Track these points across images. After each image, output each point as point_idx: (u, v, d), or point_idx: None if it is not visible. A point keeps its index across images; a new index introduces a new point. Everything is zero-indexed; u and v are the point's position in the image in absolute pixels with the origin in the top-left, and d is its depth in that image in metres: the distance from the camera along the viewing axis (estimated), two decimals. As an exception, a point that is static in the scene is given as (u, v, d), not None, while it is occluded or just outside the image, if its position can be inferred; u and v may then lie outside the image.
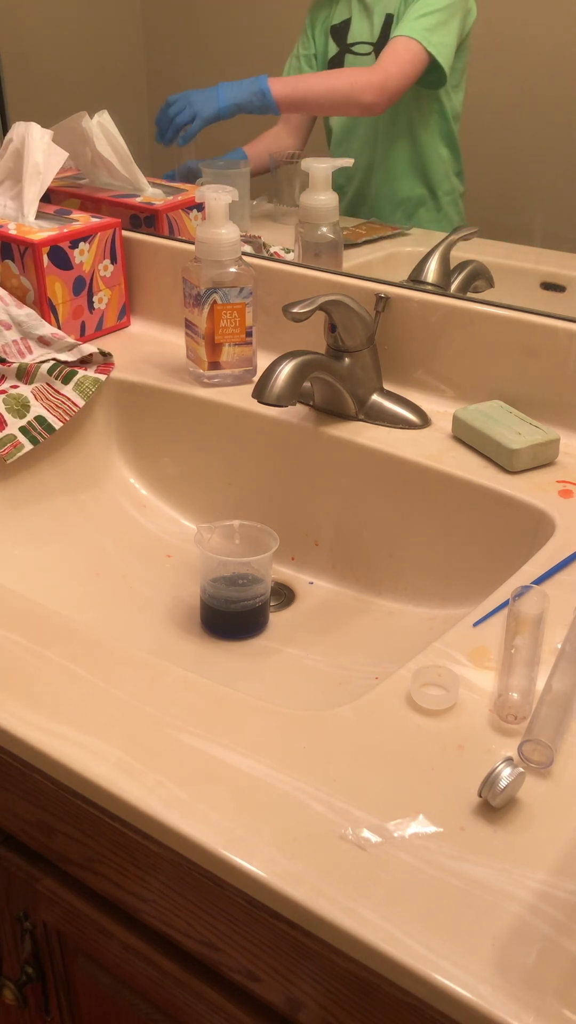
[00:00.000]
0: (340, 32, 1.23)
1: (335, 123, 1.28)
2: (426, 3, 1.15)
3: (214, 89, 1.22)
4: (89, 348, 1.07)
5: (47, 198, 1.23)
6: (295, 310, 0.91)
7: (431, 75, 1.16)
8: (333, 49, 1.24)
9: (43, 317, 1.11)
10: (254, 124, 1.34)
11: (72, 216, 1.17)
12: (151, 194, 1.25)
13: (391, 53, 1.17)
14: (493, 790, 0.55)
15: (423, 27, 1.15)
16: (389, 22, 1.18)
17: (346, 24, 1.22)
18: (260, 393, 0.91)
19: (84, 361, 1.07)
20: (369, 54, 1.20)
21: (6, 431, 0.99)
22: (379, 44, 1.19)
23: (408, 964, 0.48)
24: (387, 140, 1.23)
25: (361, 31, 1.22)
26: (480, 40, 1.16)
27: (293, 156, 1.27)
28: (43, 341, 1.09)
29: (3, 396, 1.01)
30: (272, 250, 1.21)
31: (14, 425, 0.99)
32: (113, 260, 1.17)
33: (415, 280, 1.07)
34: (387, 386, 1.02)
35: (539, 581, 0.75)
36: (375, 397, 1.00)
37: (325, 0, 1.25)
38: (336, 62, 1.24)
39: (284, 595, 0.96)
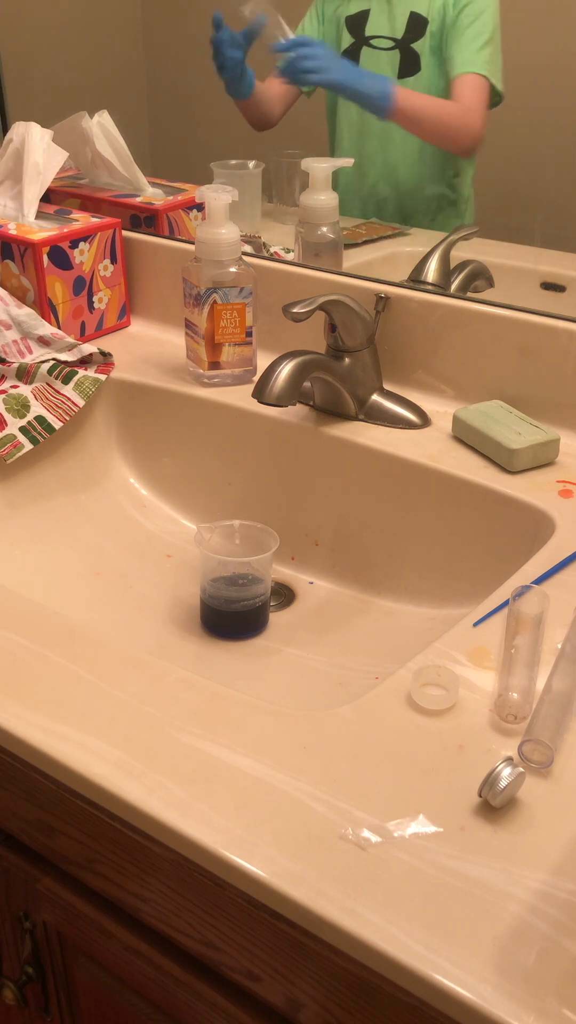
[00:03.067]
0: (357, 23, 1.21)
1: (344, 123, 1.27)
2: (479, 32, 1.14)
3: (343, 60, 1.21)
4: (89, 348, 1.07)
5: (47, 198, 1.23)
6: (295, 310, 0.91)
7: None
8: (348, 40, 1.22)
9: (43, 317, 1.11)
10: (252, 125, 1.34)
11: (72, 216, 1.17)
12: (151, 194, 1.25)
13: (473, 95, 1.16)
14: (493, 790, 0.55)
15: (485, 60, 1.14)
16: (416, 20, 1.17)
17: (364, 16, 1.20)
18: (260, 393, 0.91)
19: (84, 361, 1.07)
20: (391, 49, 1.19)
21: (6, 431, 0.99)
22: (404, 41, 1.18)
23: (408, 964, 0.48)
24: (404, 140, 1.22)
25: (381, 25, 1.20)
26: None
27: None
28: (43, 341, 1.09)
29: (3, 396, 1.01)
30: (272, 250, 1.21)
31: (14, 425, 0.99)
32: (113, 260, 1.17)
33: (415, 280, 1.07)
34: (387, 386, 1.02)
35: (539, 581, 0.75)
36: (375, 397, 1.00)
37: None
38: (351, 54, 1.22)
39: (284, 595, 0.96)
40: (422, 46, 1.17)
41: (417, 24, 1.17)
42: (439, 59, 1.17)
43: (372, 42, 1.20)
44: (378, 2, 1.20)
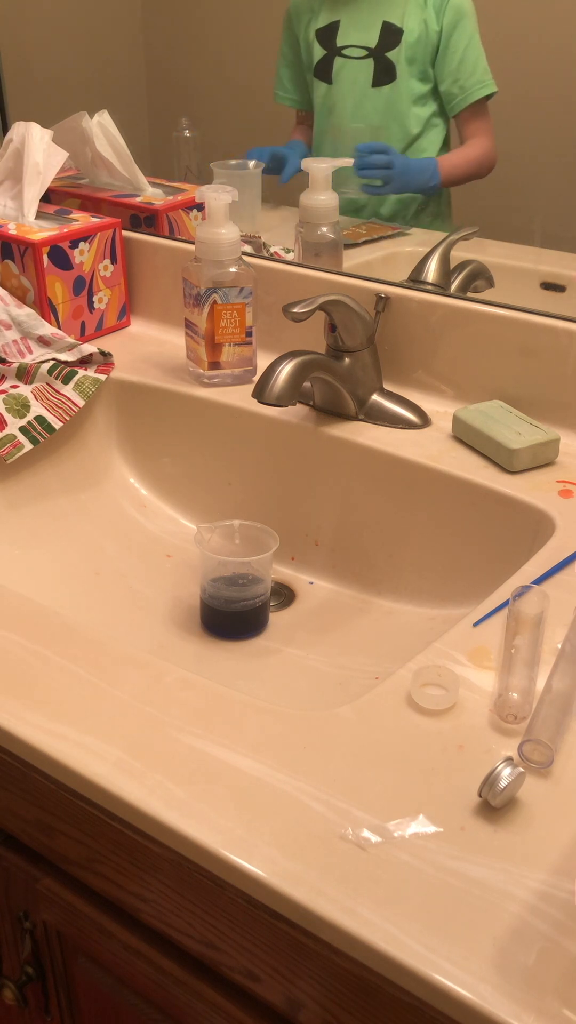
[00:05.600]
0: (326, 35, 1.22)
1: (326, 131, 1.27)
2: (475, 56, 1.15)
3: (408, 164, 1.22)
4: (89, 348, 1.07)
5: (47, 198, 1.23)
6: (295, 310, 0.91)
7: None
8: (319, 52, 1.23)
9: (43, 317, 1.11)
10: (253, 126, 1.34)
11: (72, 216, 1.17)
12: (151, 194, 1.25)
13: (481, 124, 1.18)
14: (493, 790, 0.55)
15: (481, 79, 1.16)
16: (389, 30, 1.17)
17: (334, 27, 1.22)
18: (260, 393, 0.91)
19: (84, 361, 1.07)
20: (365, 58, 1.20)
21: (6, 431, 0.99)
22: (378, 50, 1.19)
23: (408, 964, 0.48)
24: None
25: (353, 35, 1.21)
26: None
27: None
28: (43, 341, 1.09)
29: (3, 396, 1.01)
30: (272, 250, 1.22)
31: (14, 425, 0.99)
32: (113, 260, 1.17)
33: (415, 280, 1.07)
34: (387, 386, 1.02)
35: (539, 581, 0.75)
36: (375, 397, 1.00)
37: (305, 5, 1.24)
38: (325, 65, 1.23)
39: (284, 595, 0.96)
40: (397, 55, 1.18)
41: (391, 34, 1.18)
42: (417, 68, 1.18)
43: (344, 51, 1.21)
44: (348, 13, 1.21)
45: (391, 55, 1.18)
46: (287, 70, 1.29)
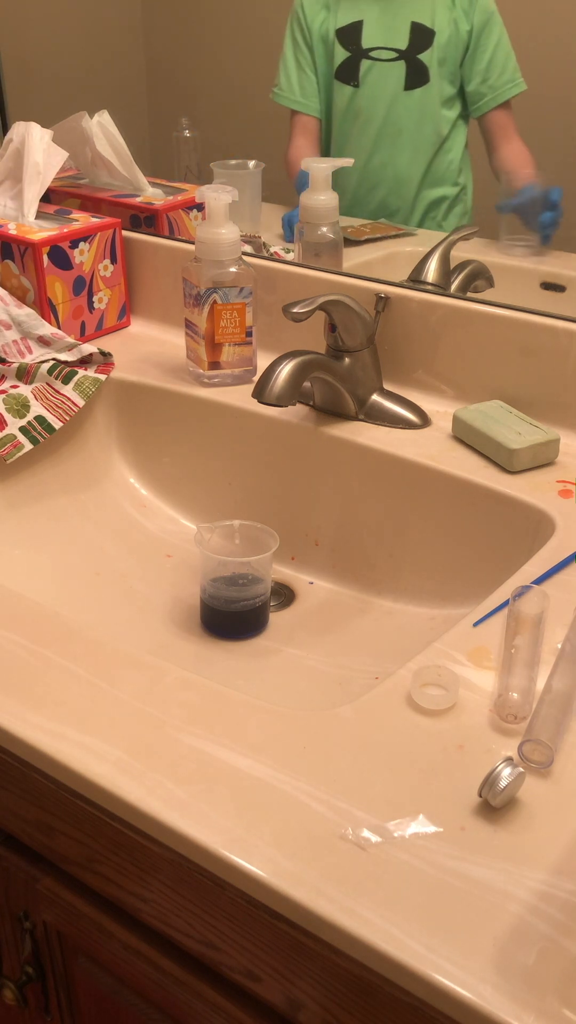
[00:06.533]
0: (349, 36, 1.18)
1: (351, 137, 1.24)
2: (505, 55, 1.14)
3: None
4: (89, 348, 1.07)
5: (47, 198, 1.23)
6: (295, 310, 0.91)
7: None
8: (342, 54, 1.19)
9: (43, 317, 1.11)
10: (253, 126, 1.34)
11: (72, 216, 1.17)
12: (151, 194, 1.25)
13: (511, 123, 1.16)
14: (493, 790, 0.55)
15: (511, 78, 1.14)
16: (420, 31, 1.14)
17: (357, 27, 1.18)
18: (260, 393, 0.91)
19: (84, 361, 1.07)
20: (395, 60, 1.16)
21: (6, 431, 0.99)
22: (409, 52, 1.15)
23: (408, 964, 0.48)
24: (415, 152, 1.21)
25: (380, 36, 1.17)
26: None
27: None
28: (43, 341, 1.09)
29: (3, 396, 1.01)
30: (272, 250, 1.21)
31: (14, 425, 0.99)
32: (113, 260, 1.17)
33: (415, 280, 1.07)
34: (387, 386, 1.02)
35: (539, 581, 0.75)
36: (375, 397, 1.00)
37: (318, 3, 1.21)
38: (350, 67, 1.19)
39: (284, 595, 0.96)
40: (429, 57, 1.15)
41: (422, 35, 1.15)
42: (447, 70, 1.16)
43: (372, 53, 1.17)
44: (371, 13, 1.18)
45: (423, 57, 1.15)
46: (297, 72, 1.25)
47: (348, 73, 1.20)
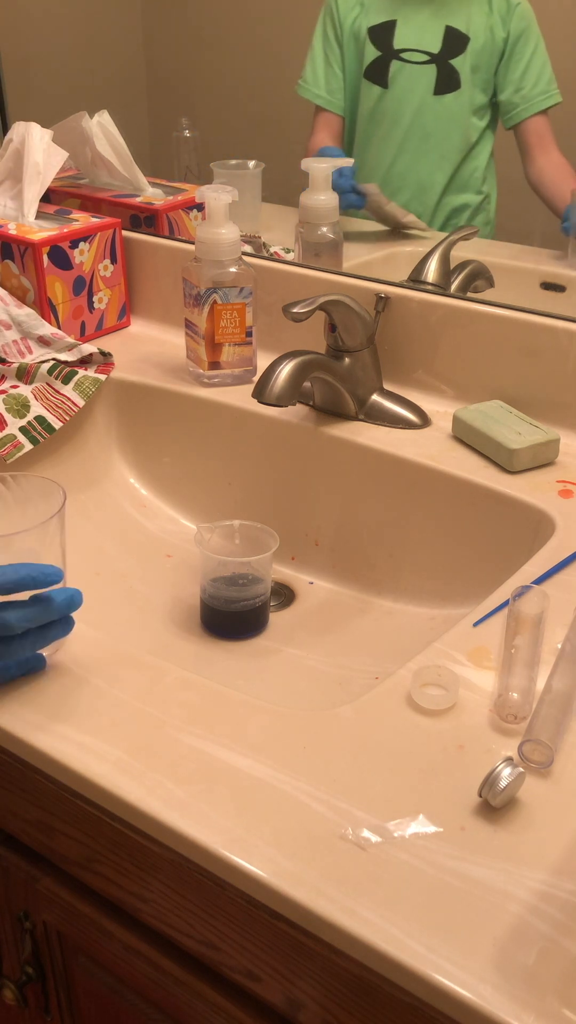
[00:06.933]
0: (381, 35, 1.16)
1: (373, 141, 1.22)
2: (542, 63, 1.11)
3: None
4: (89, 348, 1.07)
5: (47, 198, 1.23)
6: (295, 310, 0.91)
7: None
8: (372, 53, 1.16)
9: (43, 317, 1.11)
10: (253, 126, 1.34)
11: (72, 216, 1.17)
12: (151, 194, 1.25)
13: (548, 132, 1.13)
14: (493, 790, 0.55)
15: (547, 88, 1.12)
16: (454, 36, 1.12)
17: (389, 26, 1.15)
18: (260, 393, 0.91)
19: (84, 361, 1.07)
20: (426, 63, 1.14)
21: (6, 431, 0.99)
22: (441, 56, 1.13)
23: (408, 964, 0.48)
24: (441, 158, 1.20)
25: (412, 37, 1.15)
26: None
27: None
28: (43, 341, 1.09)
29: (3, 396, 1.01)
30: (272, 250, 1.21)
31: (14, 425, 0.99)
32: (113, 260, 1.17)
33: (415, 280, 1.07)
34: (387, 386, 1.02)
35: (539, 581, 0.75)
36: (375, 397, 1.00)
37: (353, 0, 1.18)
38: (379, 67, 1.17)
39: (284, 595, 0.96)
40: (462, 63, 1.13)
41: (456, 40, 1.13)
42: (480, 77, 1.14)
43: (403, 55, 1.15)
44: (405, 14, 1.15)
45: (455, 62, 1.14)
46: (324, 67, 1.22)
47: (377, 73, 1.18)
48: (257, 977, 0.58)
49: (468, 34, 1.12)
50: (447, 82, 1.15)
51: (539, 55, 1.12)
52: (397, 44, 1.16)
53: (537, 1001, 0.46)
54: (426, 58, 1.14)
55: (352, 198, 1.18)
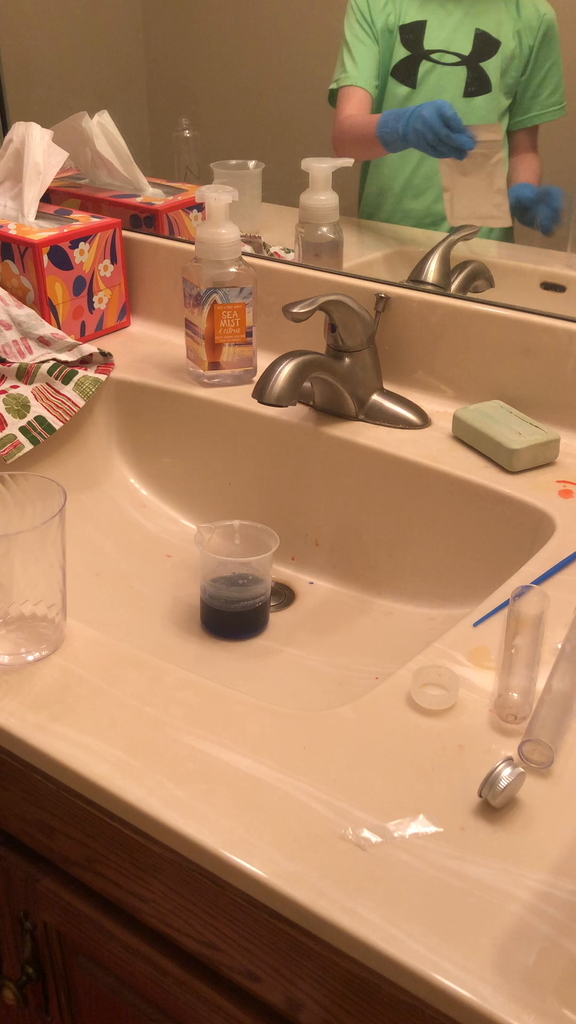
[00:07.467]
0: (411, 35, 1.14)
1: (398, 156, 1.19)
2: (556, 75, 1.11)
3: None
4: (89, 348, 1.07)
5: (47, 198, 1.23)
6: (295, 310, 0.91)
7: None
8: (401, 52, 1.15)
9: (43, 317, 1.11)
10: (253, 126, 1.34)
11: (72, 216, 1.17)
12: (151, 194, 1.25)
13: (535, 143, 1.15)
14: (493, 790, 0.55)
15: (559, 101, 1.12)
16: (485, 39, 1.11)
17: (420, 27, 1.14)
18: (260, 393, 0.91)
19: (84, 361, 1.07)
20: (457, 65, 1.13)
21: (6, 431, 0.99)
22: (472, 59, 1.12)
23: (408, 964, 0.48)
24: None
25: (443, 38, 1.14)
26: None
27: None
28: (43, 341, 1.09)
29: (3, 396, 1.01)
30: (272, 250, 1.21)
31: (14, 425, 0.99)
32: (113, 260, 1.17)
33: (415, 280, 1.07)
34: (387, 386, 1.02)
35: (539, 581, 0.75)
36: (375, 397, 1.00)
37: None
38: (408, 67, 1.15)
39: (284, 595, 0.96)
40: (492, 67, 1.13)
41: (487, 43, 1.12)
42: (506, 82, 1.13)
43: (433, 56, 1.14)
44: (435, 14, 1.14)
45: (486, 65, 1.13)
46: (366, 57, 1.18)
47: (406, 73, 1.17)
48: (257, 977, 0.58)
49: (499, 39, 1.12)
50: (477, 84, 1.14)
51: (558, 66, 1.12)
52: (427, 45, 1.14)
53: (537, 1001, 0.46)
54: (457, 60, 1.13)
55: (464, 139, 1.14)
